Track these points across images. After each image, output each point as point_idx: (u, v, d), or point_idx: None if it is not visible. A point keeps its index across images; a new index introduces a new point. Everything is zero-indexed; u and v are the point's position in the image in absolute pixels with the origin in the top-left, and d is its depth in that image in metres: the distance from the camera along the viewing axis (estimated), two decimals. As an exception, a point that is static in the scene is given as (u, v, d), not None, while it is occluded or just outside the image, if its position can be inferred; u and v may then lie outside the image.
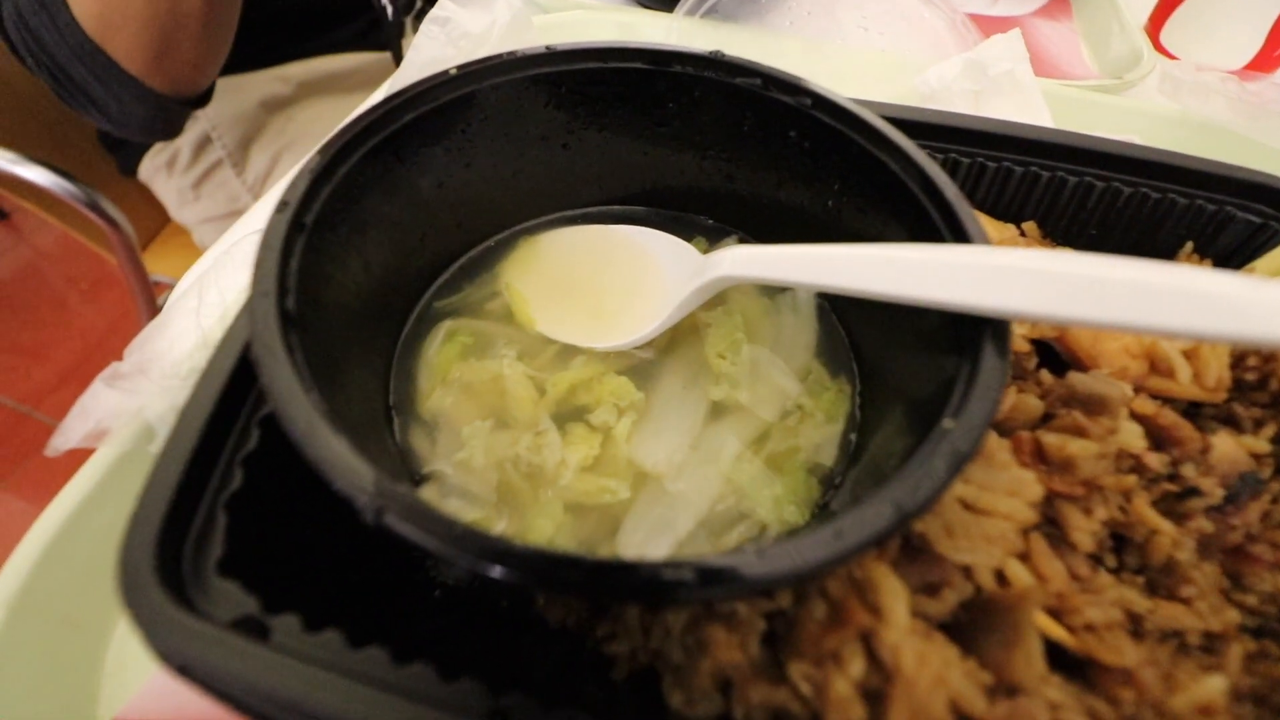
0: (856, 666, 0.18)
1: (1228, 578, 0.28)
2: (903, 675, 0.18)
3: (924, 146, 0.29)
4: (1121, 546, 0.28)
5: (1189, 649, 0.25)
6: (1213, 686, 0.21)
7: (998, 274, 0.21)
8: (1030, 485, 0.22)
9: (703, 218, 0.37)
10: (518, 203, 0.35)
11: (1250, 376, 0.30)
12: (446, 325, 0.32)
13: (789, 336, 0.33)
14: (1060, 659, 0.23)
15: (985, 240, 0.24)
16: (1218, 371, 0.30)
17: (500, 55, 0.31)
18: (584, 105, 0.33)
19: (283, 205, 0.24)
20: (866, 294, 0.24)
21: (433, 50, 0.39)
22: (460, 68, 0.30)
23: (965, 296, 0.21)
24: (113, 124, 0.61)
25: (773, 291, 0.34)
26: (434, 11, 0.39)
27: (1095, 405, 0.27)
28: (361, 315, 0.29)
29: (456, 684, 0.19)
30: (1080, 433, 0.26)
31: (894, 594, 0.19)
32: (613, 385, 0.30)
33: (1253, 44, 0.69)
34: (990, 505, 0.21)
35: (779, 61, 0.32)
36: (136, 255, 0.74)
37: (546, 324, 0.32)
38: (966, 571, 0.21)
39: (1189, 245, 0.35)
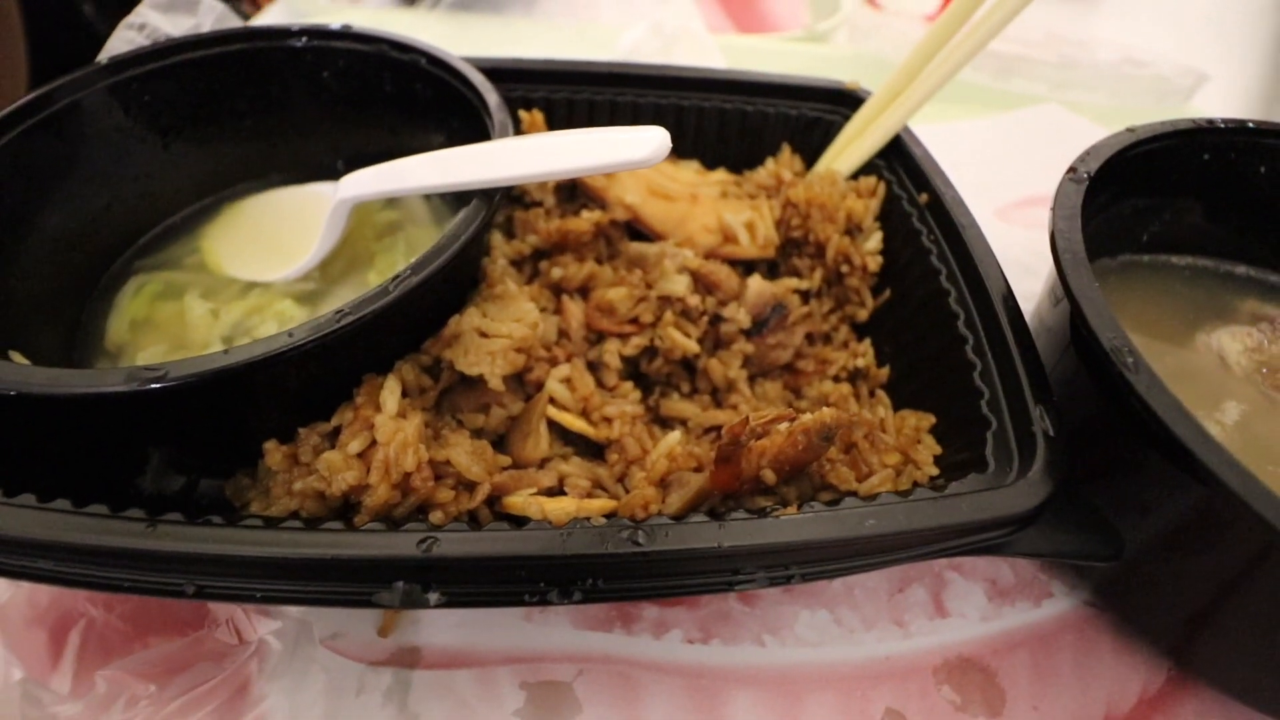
0: (355, 444, 0.24)
1: (790, 390, 0.36)
2: (381, 440, 0.24)
3: (539, 85, 0.36)
4: (694, 375, 0.35)
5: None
6: (670, 439, 0.27)
7: (475, 158, 0.28)
8: (530, 313, 0.29)
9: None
10: (210, 174, 0.41)
11: (796, 235, 0.38)
12: (139, 278, 0.37)
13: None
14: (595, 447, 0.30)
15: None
16: (764, 233, 0.37)
17: (156, 44, 0.37)
18: (249, 83, 0.39)
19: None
20: (426, 189, 0.30)
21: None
22: (112, 58, 0.35)
23: (469, 176, 0.28)
24: None
25: (441, 218, 0.40)
26: (129, 18, 0.44)
27: (638, 263, 0.34)
28: (45, 277, 0.34)
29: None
30: (619, 284, 0.33)
31: (391, 392, 0.25)
32: (279, 307, 0.35)
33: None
34: (495, 330, 0.28)
35: (514, 41, 0.38)
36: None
37: (234, 268, 0.38)
38: (482, 381, 0.27)
39: (787, 145, 0.43)
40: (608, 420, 0.29)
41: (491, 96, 0.33)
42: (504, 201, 0.31)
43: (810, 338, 0.37)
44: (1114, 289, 0.38)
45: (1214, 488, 0.21)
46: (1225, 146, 0.35)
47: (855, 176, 0.40)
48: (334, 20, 0.39)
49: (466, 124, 0.36)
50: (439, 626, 0.30)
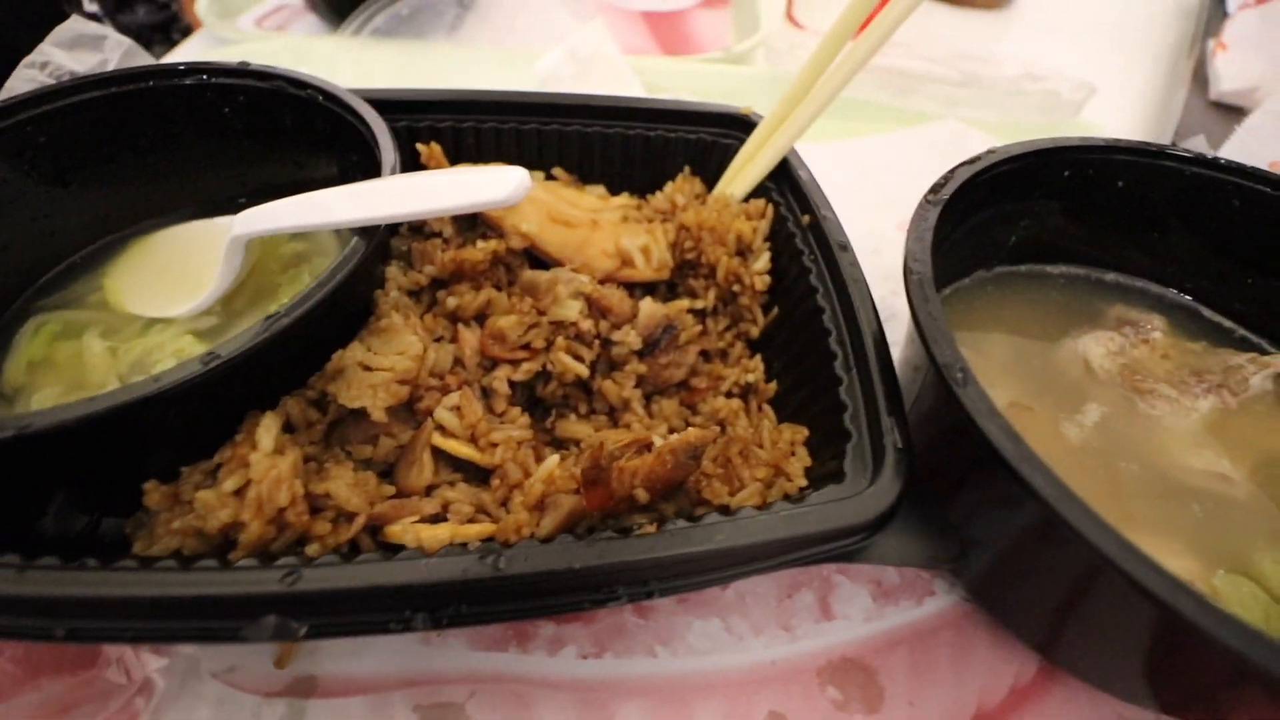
0: (231, 481, 0.25)
1: (686, 407, 0.37)
2: (254, 478, 0.25)
3: (446, 115, 0.37)
4: (591, 396, 0.36)
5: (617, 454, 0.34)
6: (549, 463, 0.29)
7: (355, 197, 0.29)
8: (414, 345, 0.29)
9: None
10: (113, 211, 0.41)
11: (690, 257, 0.39)
12: (38, 318, 0.37)
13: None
14: (485, 473, 0.31)
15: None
16: (659, 257, 0.39)
17: (52, 85, 0.37)
18: (149, 122, 0.39)
19: None
20: (311, 227, 0.31)
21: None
22: (7, 100, 0.36)
23: (347, 216, 0.29)
24: None
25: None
26: (30, 57, 0.44)
27: (530, 291, 0.35)
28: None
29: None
30: (509, 311, 0.34)
31: (267, 430, 0.26)
32: (179, 344, 0.36)
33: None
34: (378, 364, 0.29)
35: (436, 66, 0.38)
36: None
37: (136, 304, 0.38)
38: (365, 413, 0.28)
39: (686, 168, 0.45)
40: (494, 445, 0.30)
41: (383, 135, 0.34)
42: (386, 238, 0.32)
43: (706, 355, 0.38)
44: (989, 299, 0.40)
45: (1036, 500, 0.23)
46: (1083, 163, 0.37)
47: (749, 199, 0.42)
48: (234, 56, 0.40)
49: (365, 157, 0.37)
50: (336, 654, 0.30)
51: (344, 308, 0.30)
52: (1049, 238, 0.41)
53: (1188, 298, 0.40)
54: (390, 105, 0.40)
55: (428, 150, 0.40)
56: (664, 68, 0.60)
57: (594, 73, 0.56)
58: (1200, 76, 0.73)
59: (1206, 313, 0.40)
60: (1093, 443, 0.33)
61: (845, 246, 0.35)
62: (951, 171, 0.34)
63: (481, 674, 0.30)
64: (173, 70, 0.38)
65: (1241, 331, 0.39)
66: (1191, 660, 0.25)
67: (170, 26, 0.98)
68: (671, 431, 0.35)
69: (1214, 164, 0.37)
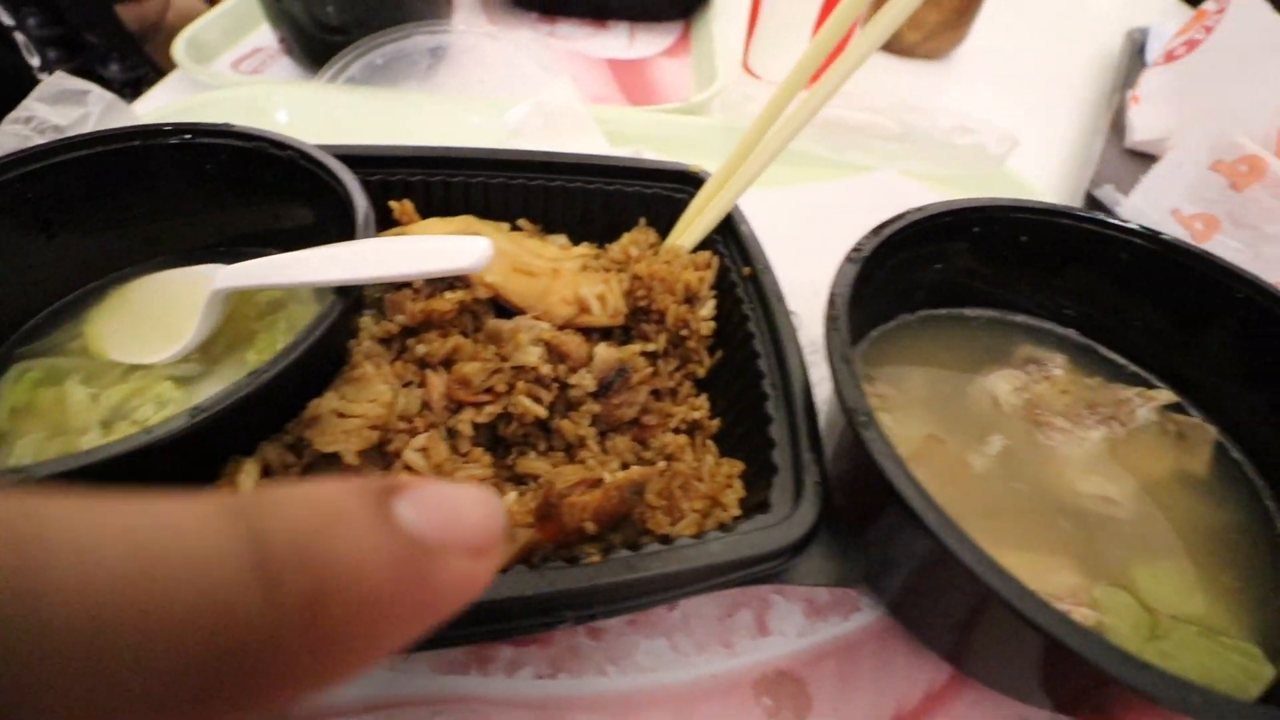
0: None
1: (637, 442, 0.41)
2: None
3: (417, 170, 0.41)
4: (550, 434, 0.39)
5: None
6: (507, 499, 0.32)
7: (333, 258, 0.32)
8: (385, 393, 0.32)
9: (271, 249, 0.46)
10: (96, 259, 0.43)
11: (643, 304, 0.43)
12: (21, 365, 0.39)
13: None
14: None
15: (370, 231, 0.35)
16: (614, 304, 0.42)
17: (40, 145, 0.39)
18: (134, 177, 0.42)
19: None
20: (290, 285, 0.34)
21: (15, 146, 0.46)
22: (-9, 159, 0.38)
23: (323, 276, 0.32)
24: None
25: (323, 296, 0.44)
26: (15, 113, 0.46)
27: (494, 338, 0.38)
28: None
29: None
30: (474, 357, 0.37)
31: (248, 474, 0.29)
32: (158, 390, 0.38)
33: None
34: (351, 410, 0.31)
35: (410, 113, 0.41)
36: None
37: (117, 351, 0.40)
38: (338, 458, 0.31)
39: (642, 220, 0.49)
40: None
41: (357, 194, 0.37)
42: (360, 295, 0.35)
43: (658, 394, 0.41)
44: (912, 340, 0.44)
45: (925, 531, 0.26)
46: (990, 220, 0.42)
47: (698, 250, 0.46)
48: (210, 101, 0.43)
49: (340, 212, 0.40)
50: (309, 680, 0.33)
51: (321, 360, 0.33)
52: (965, 283, 0.45)
53: (1087, 338, 0.45)
54: (364, 160, 0.44)
55: (399, 206, 0.43)
56: (625, 118, 0.64)
57: (560, 124, 0.60)
58: (1119, 126, 0.79)
59: (1103, 351, 0.45)
60: (994, 471, 0.38)
61: (779, 297, 0.39)
62: (873, 230, 0.39)
63: (444, 696, 0.33)
64: (158, 130, 0.41)
65: (1133, 368, 0.44)
66: (1068, 669, 0.29)
67: (141, 83, 1.01)
68: (624, 466, 0.38)
69: (1103, 222, 0.42)
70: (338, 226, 0.39)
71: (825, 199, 0.60)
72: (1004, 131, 0.67)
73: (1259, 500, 0.38)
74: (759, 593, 0.38)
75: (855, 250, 0.37)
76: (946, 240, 0.42)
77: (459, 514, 0.13)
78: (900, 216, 0.40)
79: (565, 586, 0.26)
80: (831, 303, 0.34)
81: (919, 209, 0.40)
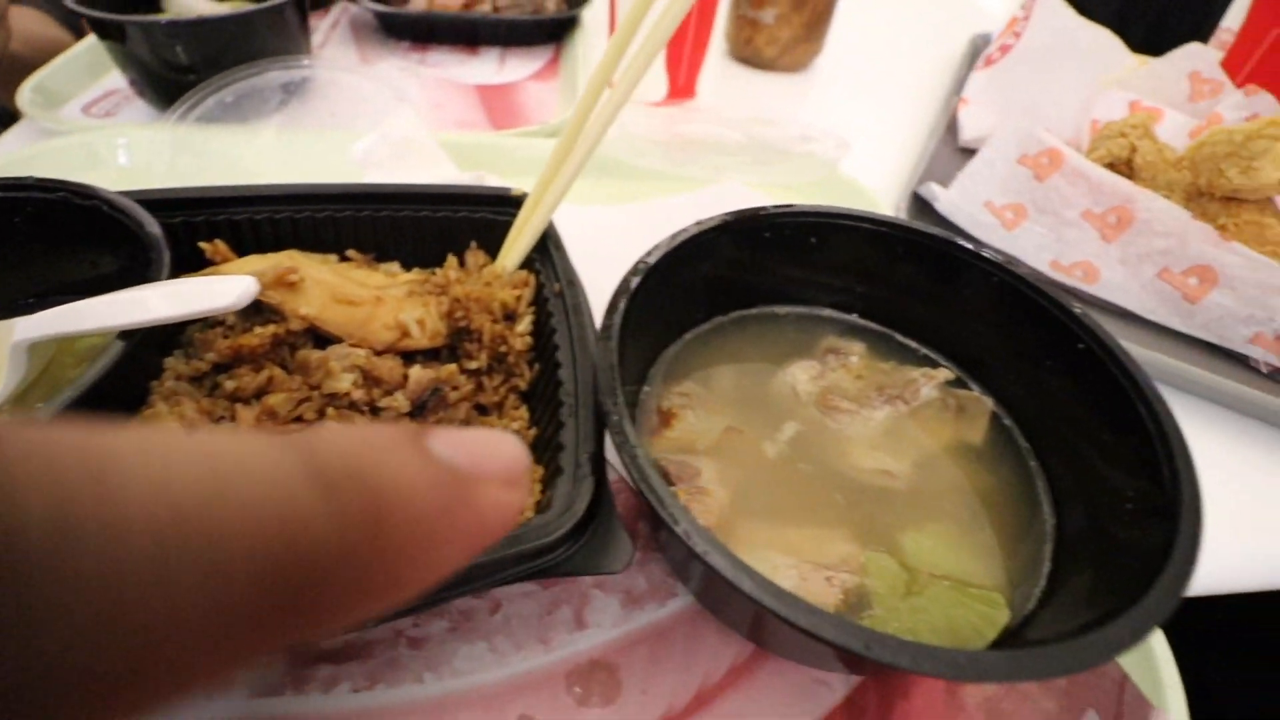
0: None
1: (462, 458, 0.42)
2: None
3: (242, 209, 0.42)
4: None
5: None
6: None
7: (111, 304, 0.33)
8: (174, 430, 0.34)
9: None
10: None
11: (462, 324, 0.45)
12: None
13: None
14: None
15: (163, 275, 0.36)
16: (433, 327, 0.44)
17: None
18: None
19: None
20: (74, 333, 0.35)
21: None
22: None
23: (100, 323, 0.33)
24: None
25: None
26: None
27: (302, 369, 0.40)
28: None
29: None
30: (287, 389, 0.38)
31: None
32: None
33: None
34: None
35: (258, 150, 0.42)
36: None
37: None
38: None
39: (473, 244, 0.51)
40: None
41: (157, 244, 0.38)
42: (141, 339, 0.36)
43: (483, 408, 0.44)
44: (724, 339, 0.48)
45: (668, 531, 0.29)
46: (779, 225, 0.46)
47: (523, 267, 0.48)
48: (59, 147, 0.43)
49: (148, 260, 0.40)
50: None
51: (105, 405, 0.34)
52: (772, 284, 0.49)
53: (883, 326, 0.49)
54: (178, 204, 0.45)
55: (211, 247, 0.44)
56: (474, 142, 0.67)
57: (407, 154, 0.62)
58: (954, 127, 0.86)
59: (899, 337, 0.49)
60: (785, 455, 0.41)
61: (584, 310, 0.42)
62: (660, 243, 0.42)
63: (260, 716, 0.34)
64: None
65: (925, 350, 0.48)
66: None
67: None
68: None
69: (879, 220, 0.46)
70: (147, 271, 0.39)
71: (665, 213, 0.63)
72: (838, 137, 0.72)
73: (1024, 462, 0.42)
74: (579, 588, 0.40)
75: (641, 263, 0.40)
76: (744, 244, 0.46)
77: (488, 449, 0.14)
78: (686, 229, 0.43)
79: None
80: (608, 313, 0.37)
81: (694, 225, 0.43)
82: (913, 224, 0.45)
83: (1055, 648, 0.26)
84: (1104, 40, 0.82)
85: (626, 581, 0.41)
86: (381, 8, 0.92)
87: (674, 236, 0.42)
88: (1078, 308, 0.40)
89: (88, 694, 0.09)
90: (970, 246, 0.43)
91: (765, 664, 0.38)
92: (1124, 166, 0.71)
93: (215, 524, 0.10)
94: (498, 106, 0.84)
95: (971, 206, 0.67)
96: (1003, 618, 0.34)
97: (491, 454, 0.15)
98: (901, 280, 0.47)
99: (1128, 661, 0.39)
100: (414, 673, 0.36)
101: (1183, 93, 0.83)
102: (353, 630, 0.14)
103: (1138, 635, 0.27)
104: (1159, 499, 0.32)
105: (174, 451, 0.10)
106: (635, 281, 0.39)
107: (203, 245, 0.44)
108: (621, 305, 0.37)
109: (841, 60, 1.05)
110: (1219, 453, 0.55)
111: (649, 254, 0.41)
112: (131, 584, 0.09)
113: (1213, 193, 0.65)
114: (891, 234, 0.45)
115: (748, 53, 1.00)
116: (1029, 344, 0.43)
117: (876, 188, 0.74)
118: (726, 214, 0.44)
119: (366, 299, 0.45)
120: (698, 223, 0.43)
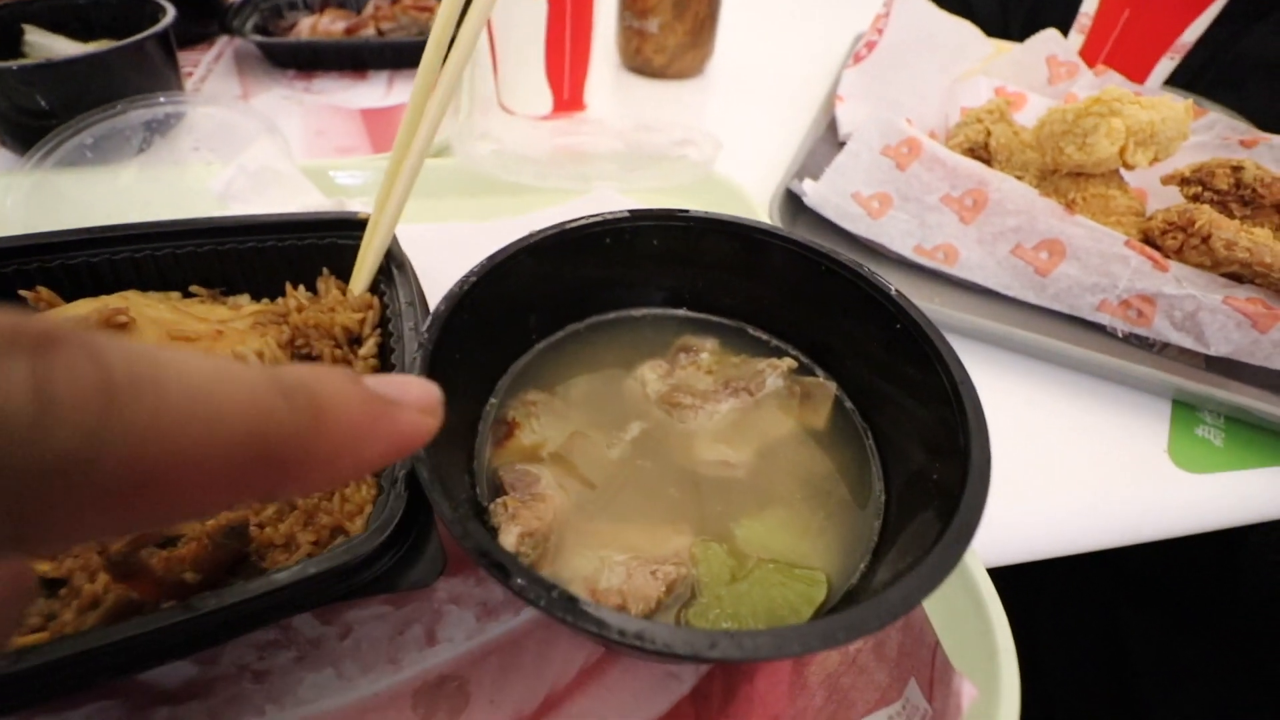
0: None
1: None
2: None
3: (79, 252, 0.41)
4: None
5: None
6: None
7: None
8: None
9: None
10: None
11: (305, 352, 0.45)
12: None
13: None
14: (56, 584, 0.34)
15: None
16: (271, 357, 0.44)
17: None
18: None
19: None
20: None
21: None
22: None
23: None
24: None
25: None
26: None
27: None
28: None
29: None
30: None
31: None
32: None
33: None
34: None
35: (113, 192, 0.41)
36: None
37: None
38: None
39: (325, 270, 0.51)
40: (65, 558, 0.34)
41: None
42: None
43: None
44: (580, 346, 0.48)
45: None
46: (618, 231, 0.47)
47: (373, 290, 0.48)
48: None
49: None
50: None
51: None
52: (625, 289, 0.50)
53: (735, 321, 0.51)
54: (15, 252, 0.44)
55: (33, 295, 0.43)
56: (347, 168, 0.66)
57: (269, 184, 0.62)
58: (835, 124, 0.89)
59: (751, 330, 0.51)
60: (628, 455, 0.42)
61: (417, 329, 0.42)
62: (471, 270, 0.41)
63: (82, 769, 0.33)
64: None
65: (775, 342, 0.50)
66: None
67: None
68: (293, 508, 0.40)
69: (716, 220, 0.47)
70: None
71: (529, 227, 0.64)
72: (715, 139, 0.74)
73: (861, 443, 0.44)
74: (431, 605, 0.40)
75: (467, 275, 0.41)
76: (585, 251, 0.47)
77: (407, 385, 0.21)
78: (518, 241, 0.43)
79: (129, 634, 0.28)
80: (427, 328, 0.37)
81: (536, 232, 0.44)
82: (736, 219, 0.46)
83: (847, 613, 0.27)
84: (963, 30, 0.86)
85: (482, 593, 0.41)
86: (263, 39, 0.92)
87: (490, 258, 0.42)
88: (893, 288, 0.42)
89: (143, 487, 0.14)
90: (766, 226, 0.45)
91: (617, 663, 0.39)
92: (983, 151, 0.75)
93: (217, 399, 0.15)
94: (381, 130, 0.84)
95: (839, 198, 0.70)
96: (819, 594, 0.36)
97: (410, 388, 0.21)
98: (734, 273, 0.48)
99: (964, 632, 0.40)
100: (255, 706, 0.36)
101: (1042, 77, 0.87)
102: (309, 492, 0.27)
103: (924, 589, 0.28)
104: (956, 469, 0.34)
105: (195, 357, 0.16)
106: (444, 309, 0.39)
107: (23, 293, 0.43)
108: (444, 314, 0.38)
109: (733, 64, 1.08)
110: (1081, 416, 0.57)
111: (463, 280, 0.41)
112: (170, 421, 0.14)
113: (1059, 170, 0.69)
114: (716, 229, 0.47)
115: (638, 62, 1.02)
116: (860, 326, 0.45)
117: (757, 187, 0.76)
118: (532, 233, 0.44)
119: (205, 334, 0.45)
120: (536, 231, 0.44)
